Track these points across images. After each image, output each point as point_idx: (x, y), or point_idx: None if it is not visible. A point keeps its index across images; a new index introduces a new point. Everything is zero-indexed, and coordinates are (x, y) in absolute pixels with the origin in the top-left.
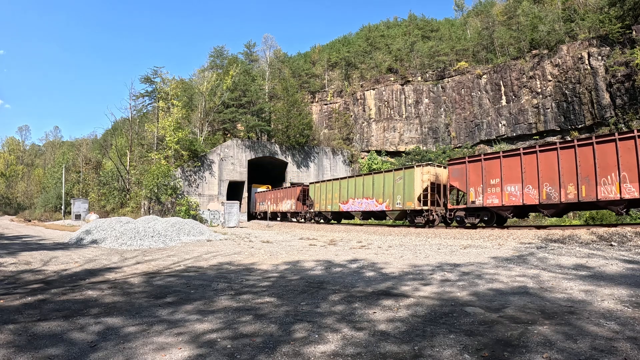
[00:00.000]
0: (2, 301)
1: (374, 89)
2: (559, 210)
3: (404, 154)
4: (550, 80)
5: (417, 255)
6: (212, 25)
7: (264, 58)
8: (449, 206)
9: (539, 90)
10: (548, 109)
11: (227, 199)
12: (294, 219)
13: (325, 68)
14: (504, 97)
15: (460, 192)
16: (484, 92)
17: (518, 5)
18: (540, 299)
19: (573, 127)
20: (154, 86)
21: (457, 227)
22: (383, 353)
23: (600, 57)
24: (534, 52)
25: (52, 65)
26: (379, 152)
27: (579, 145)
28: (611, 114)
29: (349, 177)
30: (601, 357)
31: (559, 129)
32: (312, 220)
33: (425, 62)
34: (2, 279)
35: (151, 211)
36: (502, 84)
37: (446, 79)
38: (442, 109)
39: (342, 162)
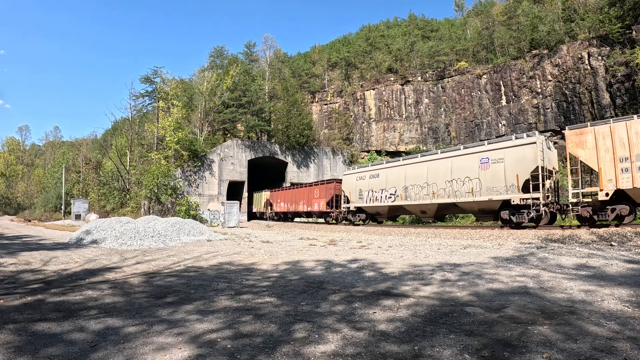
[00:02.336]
0: (2, 301)
1: (374, 89)
2: (292, 214)
3: (404, 154)
4: (550, 80)
5: (417, 255)
6: (212, 25)
7: (264, 58)
8: (269, 211)
9: (539, 90)
10: (548, 109)
11: (227, 199)
12: None
13: (325, 68)
14: (504, 97)
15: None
16: (484, 92)
17: (518, 5)
18: (540, 299)
19: None
20: (154, 86)
21: (278, 220)
22: (383, 353)
23: (600, 57)
24: (534, 52)
25: (52, 65)
26: (379, 152)
27: (295, 188)
28: (611, 114)
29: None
30: (601, 357)
31: (559, 129)
32: None
33: (425, 62)
34: (2, 279)
35: (151, 211)
36: (502, 84)
37: (446, 79)
38: (442, 109)
39: (342, 162)
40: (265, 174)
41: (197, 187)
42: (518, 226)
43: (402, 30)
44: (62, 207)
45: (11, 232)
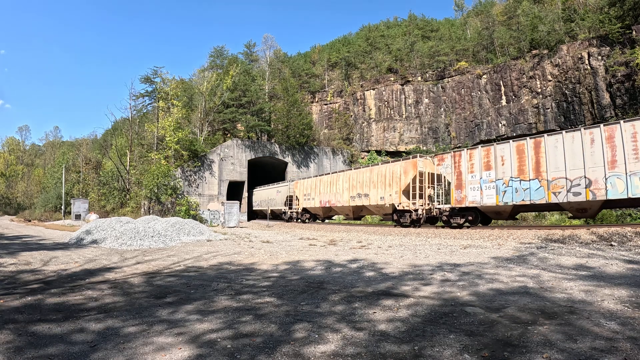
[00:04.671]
0: (2, 301)
1: (374, 89)
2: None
3: (404, 154)
4: (550, 80)
5: (417, 255)
6: (212, 25)
7: (264, 58)
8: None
9: (539, 90)
10: (548, 109)
11: (227, 199)
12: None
13: (325, 68)
14: (504, 97)
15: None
16: (484, 92)
17: (518, 5)
18: (540, 299)
19: (573, 127)
20: (154, 86)
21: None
22: (383, 353)
23: (600, 57)
24: (534, 52)
25: (52, 65)
26: (379, 152)
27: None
28: (611, 114)
29: None
30: (601, 357)
31: (559, 129)
32: None
33: (425, 62)
34: (2, 279)
35: (151, 211)
36: (502, 84)
37: (446, 79)
38: (442, 109)
39: (342, 162)
40: (266, 174)
41: (197, 187)
42: (285, 220)
43: (402, 30)
44: (62, 207)
45: (11, 232)
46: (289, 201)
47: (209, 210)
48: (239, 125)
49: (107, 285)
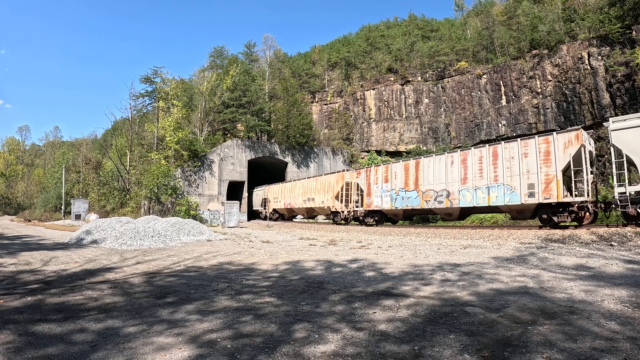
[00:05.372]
0: (2, 301)
1: (374, 89)
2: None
3: (404, 154)
4: (550, 80)
5: (417, 255)
6: (212, 25)
7: (264, 58)
8: None
9: (539, 90)
10: (548, 109)
11: (227, 199)
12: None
13: (325, 68)
14: (504, 97)
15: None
16: (484, 92)
17: (518, 5)
18: (540, 299)
19: (573, 126)
20: (154, 86)
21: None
22: (383, 353)
23: (600, 57)
24: (534, 52)
25: (53, 66)
26: (379, 152)
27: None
28: (611, 114)
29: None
30: (601, 357)
31: (559, 129)
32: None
33: (425, 62)
34: (2, 279)
35: (151, 211)
36: (502, 84)
37: (446, 79)
38: (442, 109)
39: (342, 162)
40: (266, 174)
41: (197, 187)
42: (262, 219)
43: (402, 30)
44: (62, 207)
45: (11, 232)
46: (264, 203)
47: (209, 210)
48: (239, 125)
49: (107, 285)
